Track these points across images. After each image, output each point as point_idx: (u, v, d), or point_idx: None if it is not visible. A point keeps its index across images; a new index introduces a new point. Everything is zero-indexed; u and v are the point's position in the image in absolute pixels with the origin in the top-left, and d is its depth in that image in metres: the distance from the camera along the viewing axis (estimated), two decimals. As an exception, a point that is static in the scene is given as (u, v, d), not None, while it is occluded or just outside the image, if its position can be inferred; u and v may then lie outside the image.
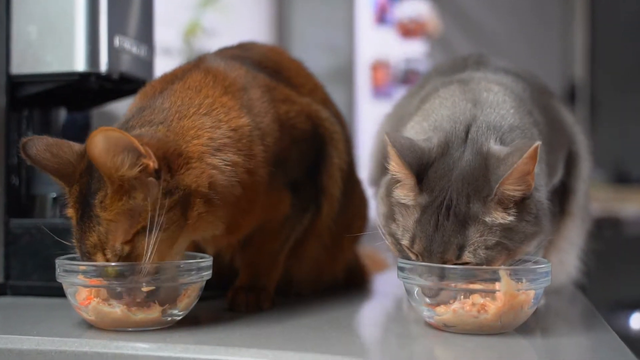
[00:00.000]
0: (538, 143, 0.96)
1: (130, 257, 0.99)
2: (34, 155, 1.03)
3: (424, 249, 1.00)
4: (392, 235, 1.05)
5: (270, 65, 1.29)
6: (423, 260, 1.00)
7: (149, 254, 0.98)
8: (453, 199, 0.98)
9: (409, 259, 1.04)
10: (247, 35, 1.40)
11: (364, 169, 1.43)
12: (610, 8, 3.71)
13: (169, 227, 1.00)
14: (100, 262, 1.00)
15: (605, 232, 1.41)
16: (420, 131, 1.12)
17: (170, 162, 1.02)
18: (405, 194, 1.03)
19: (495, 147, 1.02)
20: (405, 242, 1.02)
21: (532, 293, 1.00)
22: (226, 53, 1.29)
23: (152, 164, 0.98)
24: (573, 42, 3.71)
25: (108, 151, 0.95)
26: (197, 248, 1.18)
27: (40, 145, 1.03)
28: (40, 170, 1.05)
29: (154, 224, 0.98)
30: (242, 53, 1.29)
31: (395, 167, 1.02)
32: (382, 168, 1.20)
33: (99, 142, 0.94)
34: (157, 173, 1.00)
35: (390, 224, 1.05)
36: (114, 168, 0.96)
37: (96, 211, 0.99)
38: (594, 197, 1.43)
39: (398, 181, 1.04)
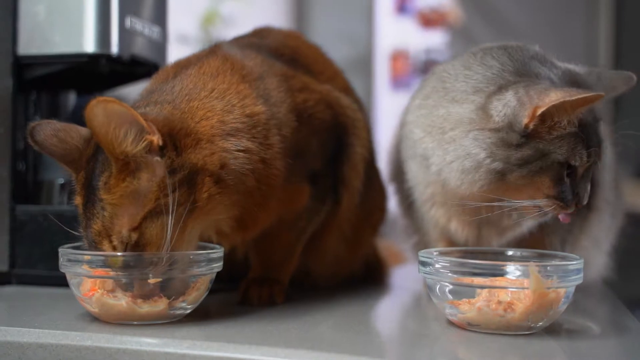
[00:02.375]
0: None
1: (138, 245, 0.95)
2: (41, 141, 1.00)
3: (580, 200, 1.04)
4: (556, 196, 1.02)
5: (287, 53, 1.25)
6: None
7: (167, 239, 0.94)
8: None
9: None
10: (265, 24, 1.36)
11: (381, 162, 1.38)
12: (637, -1, 3.63)
13: (177, 210, 0.95)
14: (108, 253, 0.95)
15: (628, 228, 1.35)
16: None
17: (177, 140, 0.97)
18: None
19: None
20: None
21: (562, 291, 0.95)
22: (242, 41, 1.25)
23: (156, 140, 0.94)
24: (597, 33, 3.63)
25: (109, 124, 0.91)
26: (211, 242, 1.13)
27: (47, 131, 1.00)
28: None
29: (162, 207, 0.93)
30: (258, 41, 1.26)
31: None
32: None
33: (99, 113, 0.91)
34: (161, 150, 0.95)
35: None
36: (116, 142, 0.92)
37: (100, 194, 0.94)
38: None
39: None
